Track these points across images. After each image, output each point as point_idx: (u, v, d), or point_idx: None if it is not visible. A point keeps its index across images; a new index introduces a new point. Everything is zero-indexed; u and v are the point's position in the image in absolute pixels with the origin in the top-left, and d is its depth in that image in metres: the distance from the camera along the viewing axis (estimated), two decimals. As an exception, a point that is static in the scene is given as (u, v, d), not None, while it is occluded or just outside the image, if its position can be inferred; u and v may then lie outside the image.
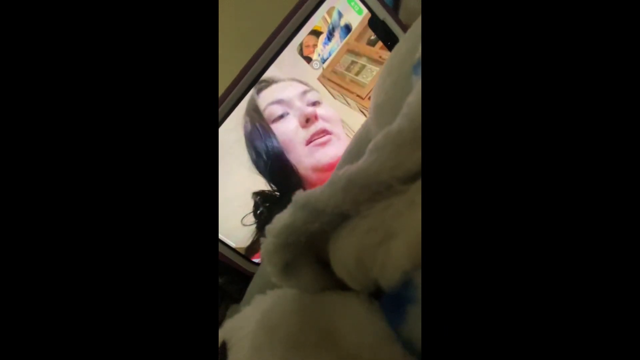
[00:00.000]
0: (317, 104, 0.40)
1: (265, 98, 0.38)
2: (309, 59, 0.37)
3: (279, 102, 0.38)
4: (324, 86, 0.39)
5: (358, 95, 0.39)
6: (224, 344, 0.17)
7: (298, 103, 0.39)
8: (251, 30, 0.37)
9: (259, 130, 0.38)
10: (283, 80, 0.38)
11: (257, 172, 0.39)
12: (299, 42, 0.35)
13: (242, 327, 0.16)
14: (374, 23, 0.36)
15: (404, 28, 0.35)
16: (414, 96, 0.14)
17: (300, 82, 0.39)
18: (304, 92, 0.39)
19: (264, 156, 0.38)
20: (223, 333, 0.17)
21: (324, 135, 0.39)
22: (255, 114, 0.38)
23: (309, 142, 0.39)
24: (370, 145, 0.14)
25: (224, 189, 0.37)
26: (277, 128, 0.39)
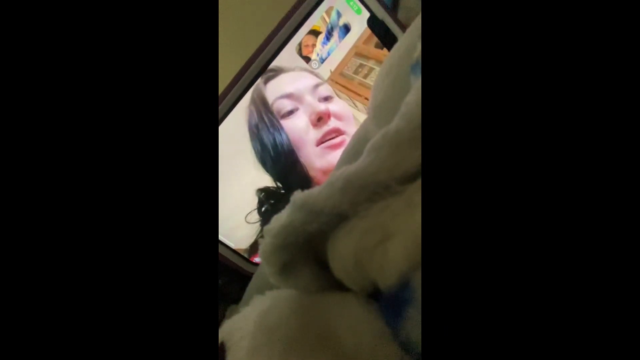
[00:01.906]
0: (329, 99, 0.37)
1: (274, 90, 0.35)
2: (307, 59, 0.36)
3: (289, 96, 0.36)
4: (332, 89, 0.38)
5: (366, 98, 0.37)
6: (222, 344, 0.17)
7: (309, 98, 0.36)
8: (250, 29, 0.36)
9: (266, 123, 0.35)
10: (292, 69, 0.35)
11: (262, 167, 0.36)
12: (298, 42, 0.35)
13: (240, 328, 0.16)
14: (373, 23, 0.36)
15: (403, 28, 0.35)
16: (412, 96, 0.13)
17: (311, 72, 0.36)
18: (316, 86, 0.37)
19: (271, 151, 0.36)
20: (221, 334, 0.17)
21: (336, 136, 0.37)
22: (262, 106, 0.35)
23: (320, 142, 0.37)
24: (369, 146, 0.14)
25: (225, 187, 0.36)
26: (287, 124, 0.36)
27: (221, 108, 0.34)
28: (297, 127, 0.36)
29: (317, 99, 0.37)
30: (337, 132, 0.37)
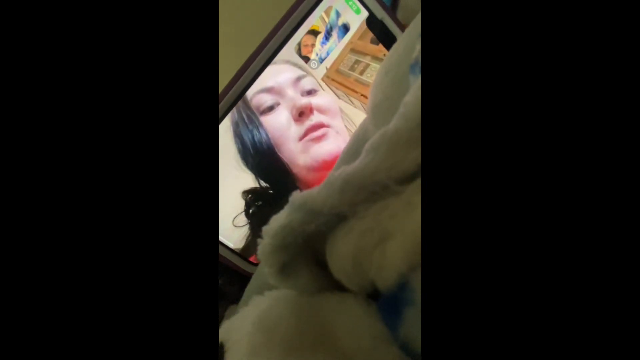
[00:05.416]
0: (312, 92, 0.35)
1: (254, 84, 0.33)
2: (307, 59, 0.36)
3: (269, 90, 0.34)
4: (328, 86, 0.37)
5: (362, 95, 0.36)
6: (221, 345, 0.17)
7: (290, 92, 0.34)
8: (249, 29, 0.36)
9: (245, 120, 0.34)
10: (274, 63, 0.33)
11: (245, 167, 0.35)
12: (297, 42, 0.35)
13: (239, 329, 0.16)
14: (372, 23, 0.36)
15: (402, 27, 0.35)
16: (411, 96, 0.13)
17: (295, 64, 0.35)
18: (298, 79, 0.35)
19: (251, 149, 0.34)
20: (220, 334, 0.17)
21: (319, 129, 0.35)
22: (241, 102, 0.33)
23: (302, 137, 0.35)
24: (367, 146, 0.14)
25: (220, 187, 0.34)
26: (267, 121, 0.34)
27: (220, 107, 0.34)
28: (278, 123, 0.34)
29: (299, 93, 0.35)
30: (321, 126, 0.35)
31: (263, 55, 0.33)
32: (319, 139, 0.35)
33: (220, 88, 0.34)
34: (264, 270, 0.16)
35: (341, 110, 0.37)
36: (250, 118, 0.34)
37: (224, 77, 0.34)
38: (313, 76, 0.36)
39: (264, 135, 0.34)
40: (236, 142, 0.34)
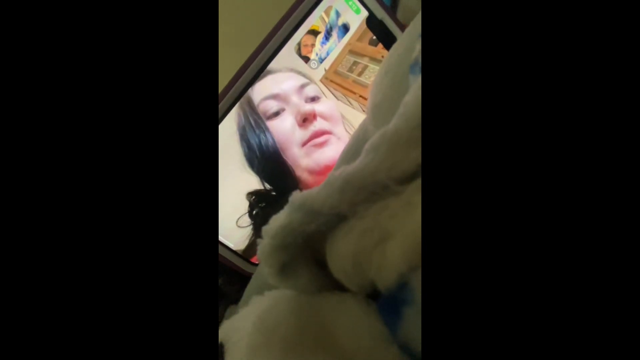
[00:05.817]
0: (316, 99, 0.37)
1: (260, 91, 0.35)
2: (307, 59, 0.36)
3: (275, 97, 0.36)
4: (327, 87, 0.38)
5: (361, 96, 0.38)
6: (221, 345, 0.17)
7: (295, 99, 0.36)
8: (249, 29, 0.36)
9: (252, 124, 0.36)
10: (279, 71, 0.35)
11: (251, 169, 0.37)
12: (297, 42, 0.35)
13: (239, 329, 0.16)
14: (372, 23, 0.36)
15: (402, 27, 0.35)
16: (411, 96, 0.13)
17: (299, 72, 0.37)
18: (302, 86, 0.37)
19: (257, 153, 0.36)
20: (220, 334, 0.17)
21: (322, 136, 0.37)
22: (248, 107, 0.35)
23: (306, 143, 0.37)
24: (367, 146, 0.14)
25: (220, 188, 0.36)
26: (272, 126, 0.36)
27: (220, 107, 0.34)
28: (283, 128, 0.36)
29: (303, 100, 0.37)
30: (324, 132, 0.37)
31: (263, 55, 0.33)
32: (321, 145, 0.37)
33: (220, 88, 0.34)
34: (264, 270, 0.16)
35: (342, 117, 0.38)
36: (257, 123, 0.36)
37: (224, 77, 0.34)
38: (316, 83, 0.37)
39: (270, 139, 0.36)
40: (242, 146, 0.36)
